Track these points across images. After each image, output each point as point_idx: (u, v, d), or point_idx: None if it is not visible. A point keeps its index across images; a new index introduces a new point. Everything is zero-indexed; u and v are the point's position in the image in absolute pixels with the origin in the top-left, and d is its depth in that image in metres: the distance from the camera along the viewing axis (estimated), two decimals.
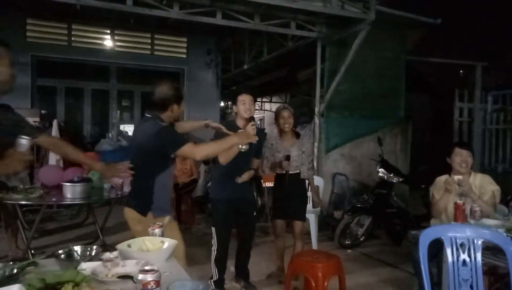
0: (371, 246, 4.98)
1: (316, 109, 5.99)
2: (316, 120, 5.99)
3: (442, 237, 2.21)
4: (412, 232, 4.20)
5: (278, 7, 5.10)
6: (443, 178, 3.05)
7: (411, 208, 5.33)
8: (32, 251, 4.08)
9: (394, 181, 4.93)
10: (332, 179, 5.87)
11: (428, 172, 4.60)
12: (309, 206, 4.00)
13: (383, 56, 6.20)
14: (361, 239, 4.96)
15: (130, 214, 2.50)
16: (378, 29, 5.43)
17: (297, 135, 3.73)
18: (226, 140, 2.58)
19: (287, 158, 3.45)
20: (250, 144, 3.07)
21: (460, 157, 2.98)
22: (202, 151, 2.46)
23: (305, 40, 6.13)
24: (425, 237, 2.23)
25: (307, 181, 3.81)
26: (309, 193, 3.95)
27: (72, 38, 8.16)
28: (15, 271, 1.53)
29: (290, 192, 3.58)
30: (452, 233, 2.22)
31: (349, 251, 4.79)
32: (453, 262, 2.17)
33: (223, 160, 3.08)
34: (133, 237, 2.01)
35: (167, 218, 2.50)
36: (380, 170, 4.99)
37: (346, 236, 4.88)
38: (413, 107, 7.73)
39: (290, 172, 3.54)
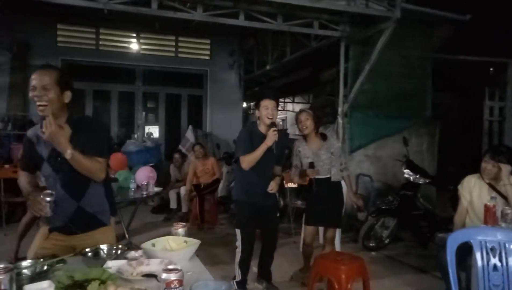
0: (396, 249, 4.87)
1: (340, 109, 5.92)
2: (340, 120, 5.92)
3: (471, 241, 2.14)
4: (439, 235, 4.08)
5: (301, 7, 5.07)
6: (472, 178, 2.94)
7: (438, 210, 5.18)
8: None
9: (420, 182, 4.80)
10: (356, 180, 5.78)
11: (457, 173, 4.46)
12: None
13: (408, 54, 6.05)
14: (386, 241, 4.86)
15: None
16: (403, 27, 5.32)
17: (323, 137, 3.61)
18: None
19: (311, 165, 3.36)
20: (272, 148, 3.09)
21: (486, 165, 2.86)
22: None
23: (329, 39, 6.07)
24: (453, 240, 2.16)
25: (343, 183, 3.68)
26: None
27: (100, 42, 8.41)
28: (45, 268, 1.59)
29: (322, 197, 3.48)
30: (482, 237, 2.15)
31: (373, 253, 4.70)
32: (483, 266, 2.10)
33: (245, 165, 3.10)
34: None
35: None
36: (405, 171, 4.87)
37: (370, 238, 4.80)
38: (441, 106, 7.51)
39: (320, 177, 3.47)
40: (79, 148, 1.87)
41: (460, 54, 7.77)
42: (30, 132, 2.03)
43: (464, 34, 6.79)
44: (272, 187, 3.18)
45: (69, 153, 1.83)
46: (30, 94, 1.86)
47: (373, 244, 4.81)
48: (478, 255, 2.11)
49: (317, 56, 7.46)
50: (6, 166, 5.65)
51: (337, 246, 4.16)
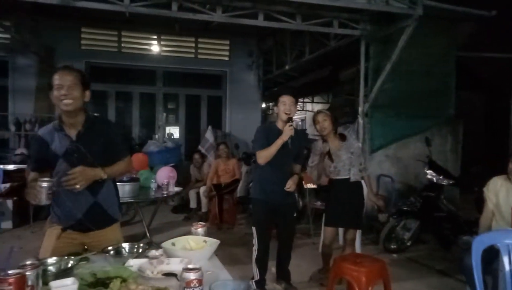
0: (418, 251, 4.77)
1: (360, 109, 5.85)
2: (360, 120, 5.84)
3: (498, 244, 2.08)
4: (464, 237, 3.98)
5: (320, 6, 5.03)
6: (499, 179, 2.85)
7: (462, 212, 5.03)
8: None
9: (444, 183, 4.69)
10: (377, 180, 5.70)
11: (481, 174, 4.33)
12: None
13: (431, 52, 5.92)
14: (408, 243, 4.77)
15: None
16: (425, 24, 5.20)
17: (343, 137, 3.57)
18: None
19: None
20: (288, 144, 3.07)
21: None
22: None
23: (348, 38, 6.00)
24: (479, 243, 2.09)
25: (364, 183, 3.63)
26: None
27: (122, 45, 8.59)
28: (69, 265, 1.64)
29: (342, 198, 3.45)
30: (510, 240, 2.08)
31: (394, 255, 4.62)
32: (510, 271, 2.03)
33: (261, 160, 3.11)
34: None
35: None
36: (428, 171, 4.76)
37: (391, 240, 4.71)
38: (465, 105, 7.30)
39: (340, 177, 3.44)
40: (95, 147, 2.00)
41: (485, 51, 7.54)
42: (42, 131, 2.09)
43: (489, 30, 6.57)
44: (290, 185, 3.15)
45: (103, 175, 2.01)
46: (55, 92, 1.95)
47: (395, 246, 4.72)
48: (505, 259, 2.04)
49: (337, 55, 7.38)
50: None
51: (357, 248, 4.10)
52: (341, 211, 3.46)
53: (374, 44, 5.72)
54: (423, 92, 5.91)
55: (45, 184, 1.82)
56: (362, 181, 3.60)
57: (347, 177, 3.46)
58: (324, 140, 3.52)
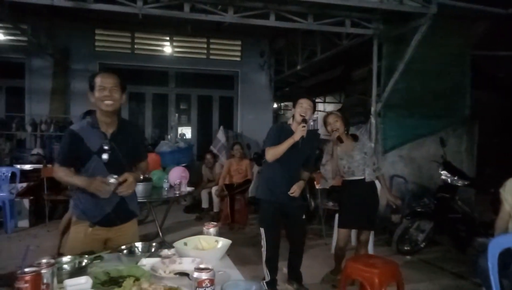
0: (432, 253, 4.70)
1: (373, 109, 5.80)
2: (373, 120, 5.79)
3: None
4: (479, 239, 3.91)
5: (332, 6, 5.01)
6: None
7: (477, 214, 4.94)
8: None
9: (459, 184, 4.61)
10: (390, 181, 5.63)
11: (498, 174, 4.24)
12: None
13: (445, 51, 5.83)
14: (421, 245, 4.70)
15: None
16: (439, 23, 5.12)
17: (355, 138, 3.55)
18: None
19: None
20: (298, 144, 3.05)
21: None
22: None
23: (361, 37, 5.95)
24: (495, 246, 2.05)
25: (378, 183, 3.60)
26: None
27: (135, 46, 8.69)
28: (83, 263, 1.66)
29: (357, 199, 3.41)
30: None
31: (408, 257, 4.56)
32: None
33: (270, 157, 3.11)
34: None
35: None
36: (442, 172, 4.69)
37: (404, 242, 4.66)
38: (480, 105, 7.16)
39: (355, 178, 3.41)
40: (125, 147, 2.15)
41: (501, 50, 7.38)
42: (76, 127, 2.15)
43: (505, 29, 6.43)
44: (294, 190, 3.14)
45: (141, 177, 2.30)
46: (97, 93, 2.07)
47: (408, 248, 4.66)
48: None
49: (349, 54, 7.34)
50: (49, 165, 5.95)
51: (370, 249, 4.07)
52: (356, 213, 3.42)
53: (387, 43, 5.66)
54: (437, 91, 5.83)
55: (113, 180, 1.99)
56: (376, 182, 3.57)
57: (362, 177, 3.42)
58: (339, 139, 3.47)
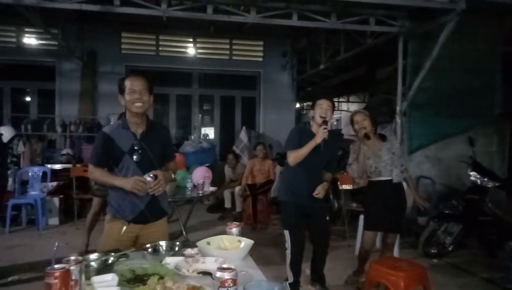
0: (461, 256, 4.56)
1: (398, 108, 5.67)
2: (398, 119, 5.67)
3: None
4: (511, 243, 3.76)
5: (356, 4, 4.93)
6: None
7: (508, 217, 4.76)
8: None
9: (489, 186, 4.45)
10: (416, 182, 5.50)
11: None
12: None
13: (474, 48, 5.61)
14: (449, 248, 4.57)
15: None
16: (468, 19, 4.95)
17: (383, 137, 3.46)
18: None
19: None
20: (320, 147, 3.02)
21: None
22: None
23: (386, 35, 5.83)
24: None
25: (405, 185, 3.51)
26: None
27: (160, 48, 8.84)
28: (110, 261, 1.71)
29: (384, 200, 3.33)
30: None
31: (435, 260, 4.44)
32: None
33: (291, 160, 3.09)
34: None
35: None
36: (472, 173, 4.55)
37: (431, 244, 4.54)
38: None
39: (382, 179, 3.34)
40: (155, 147, 2.22)
41: None
42: (107, 129, 2.24)
43: None
44: (318, 191, 3.10)
45: (173, 177, 2.36)
46: (128, 96, 2.14)
47: (435, 251, 4.54)
48: None
49: (373, 53, 7.20)
50: (78, 165, 6.15)
51: (395, 252, 3.98)
52: (382, 215, 3.34)
53: (413, 41, 5.52)
54: (465, 90, 5.63)
55: (150, 179, 2.07)
56: (403, 183, 3.48)
57: (389, 178, 3.34)
58: (364, 142, 3.40)
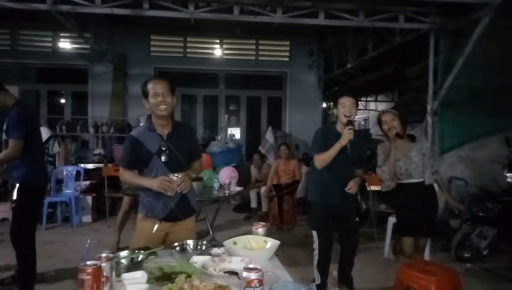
0: (496, 262, 4.36)
1: (429, 107, 5.51)
2: (429, 119, 5.50)
3: None
4: None
5: (385, 1, 4.83)
6: None
7: None
8: None
9: None
10: (448, 183, 5.32)
11: None
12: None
13: (510, 43, 5.38)
14: (484, 252, 4.39)
15: None
16: (504, 13, 4.73)
17: (412, 138, 3.34)
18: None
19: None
20: (347, 148, 2.96)
21: None
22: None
23: (415, 33, 5.68)
24: None
25: (436, 187, 3.39)
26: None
27: (187, 50, 8.99)
28: (139, 259, 1.75)
29: (416, 203, 3.22)
30: None
31: (468, 265, 4.28)
32: None
33: (318, 164, 3.04)
34: None
35: None
36: (508, 174, 4.36)
37: (465, 248, 4.37)
38: None
39: (414, 181, 3.23)
40: (181, 146, 2.26)
41: None
42: (135, 133, 2.31)
43: None
44: (351, 186, 3.01)
45: (195, 176, 2.41)
46: (152, 100, 2.19)
47: (468, 255, 4.37)
48: None
49: (402, 51, 7.03)
50: (109, 165, 6.34)
51: (426, 255, 3.86)
52: (414, 218, 3.23)
53: (444, 38, 5.35)
54: (501, 87, 5.38)
55: (175, 178, 2.13)
56: (435, 185, 3.37)
57: (421, 180, 3.23)
58: (393, 142, 3.29)
